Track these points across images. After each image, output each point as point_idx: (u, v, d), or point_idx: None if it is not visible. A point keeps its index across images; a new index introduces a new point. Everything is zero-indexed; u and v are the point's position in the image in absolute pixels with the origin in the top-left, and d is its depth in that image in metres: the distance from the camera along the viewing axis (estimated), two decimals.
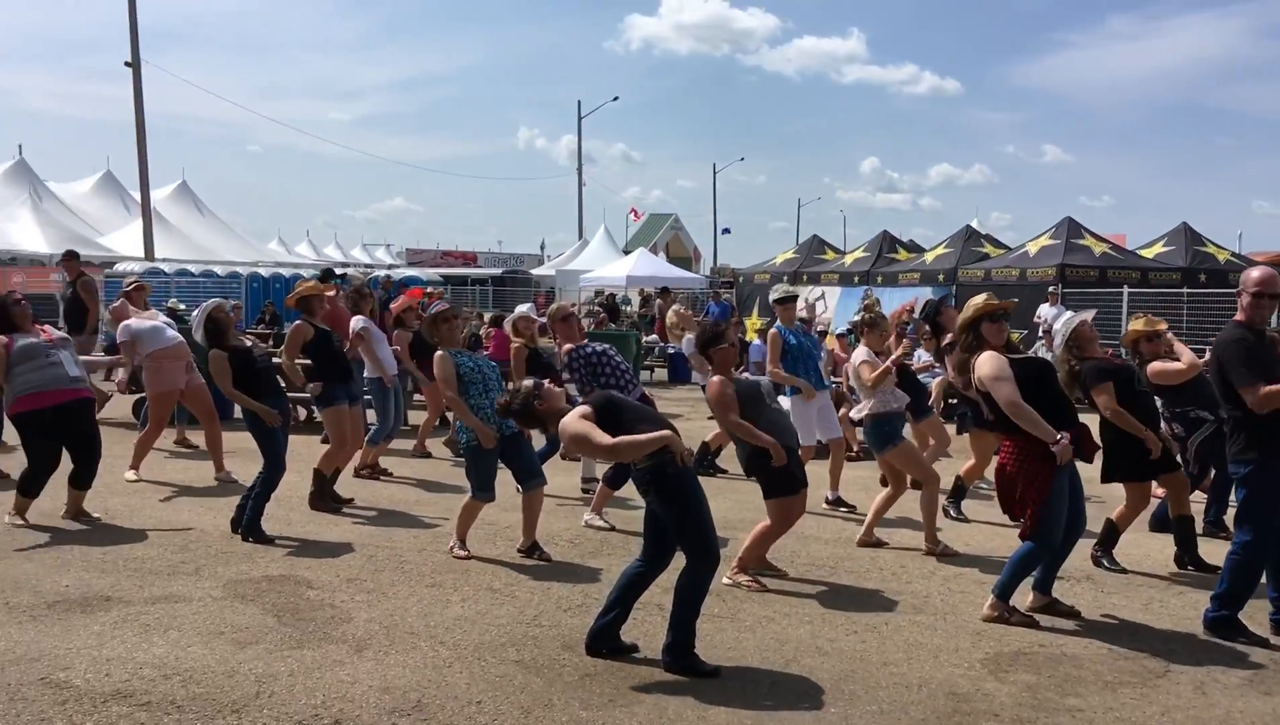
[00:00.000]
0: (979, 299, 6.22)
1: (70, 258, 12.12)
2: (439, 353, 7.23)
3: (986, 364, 5.95)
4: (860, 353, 7.78)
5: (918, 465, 7.56)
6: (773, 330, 8.99)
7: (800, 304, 14.65)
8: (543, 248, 68.78)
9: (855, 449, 11.36)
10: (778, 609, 6.16)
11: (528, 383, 5.66)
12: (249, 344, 8.17)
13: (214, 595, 6.19)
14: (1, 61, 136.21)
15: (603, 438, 5.09)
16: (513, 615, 5.94)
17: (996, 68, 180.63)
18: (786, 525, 6.63)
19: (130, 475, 9.55)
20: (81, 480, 7.89)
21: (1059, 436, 5.72)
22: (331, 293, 11.12)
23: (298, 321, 8.87)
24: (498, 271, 45.21)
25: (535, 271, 46.80)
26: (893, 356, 7.70)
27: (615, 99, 58.94)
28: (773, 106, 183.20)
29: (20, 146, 47.49)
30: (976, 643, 5.64)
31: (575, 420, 5.19)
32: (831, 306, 26.54)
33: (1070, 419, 5.89)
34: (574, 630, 5.68)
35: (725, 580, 6.54)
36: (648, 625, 5.79)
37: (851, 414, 7.67)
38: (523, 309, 10.18)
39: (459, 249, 66.77)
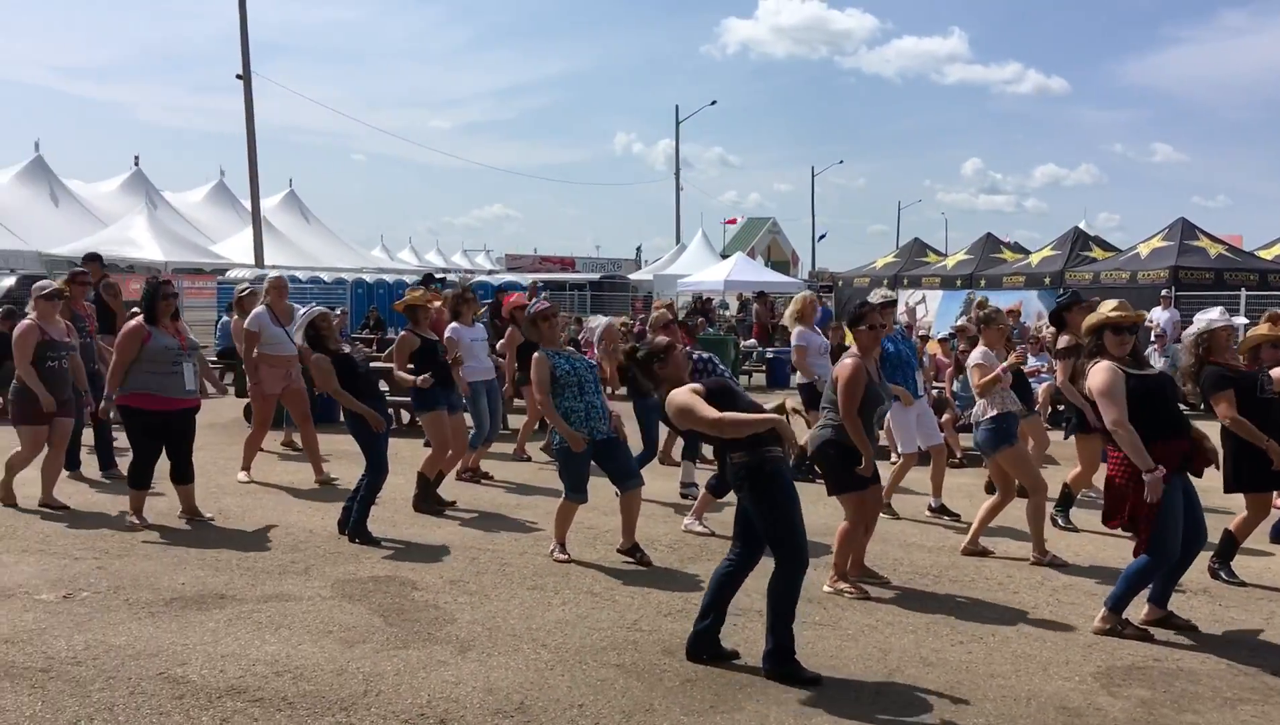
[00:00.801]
0: (1109, 305, 6.00)
1: (92, 260, 12.34)
2: (537, 354, 7.26)
3: (1098, 376, 5.78)
4: (977, 354, 7.63)
5: (1028, 470, 7.36)
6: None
7: (900, 308, 14.42)
8: (639, 253, 68.93)
9: (959, 456, 11.17)
10: (880, 618, 6.07)
11: (664, 340, 5.73)
12: (348, 350, 8.34)
13: (322, 595, 6.34)
14: (121, 77, 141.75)
15: (709, 410, 5.14)
16: (613, 619, 5.96)
17: (1104, 65, 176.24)
18: (863, 520, 6.54)
19: (242, 477, 9.82)
20: (180, 476, 8.17)
21: (1154, 468, 5.53)
22: (438, 302, 11.26)
23: (404, 331, 9.04)
24: (595, 276, 45.45)
25: (633, 276, 46.95)
26: (1004, 364, 7.50)
27: (713, 103, 59.11)
28: (872, 108, 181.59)
29: (137, 158, 49.17)
30: (1088, 656, 5.49)
31: (685, 392, 5.27)
32: (932, 311, 26.15)
33: (1181, 434, 5.71)
34: (674, 635, 5.68)
35: (825, 588, 6.49)
36: (748, 631, 5.76)
37: (973, 414, 7.51)
38: (599, 324, 10.13)
39: (557, 254, 67.31)
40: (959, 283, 26.47)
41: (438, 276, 17.60)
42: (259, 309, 10.34)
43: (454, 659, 5.28)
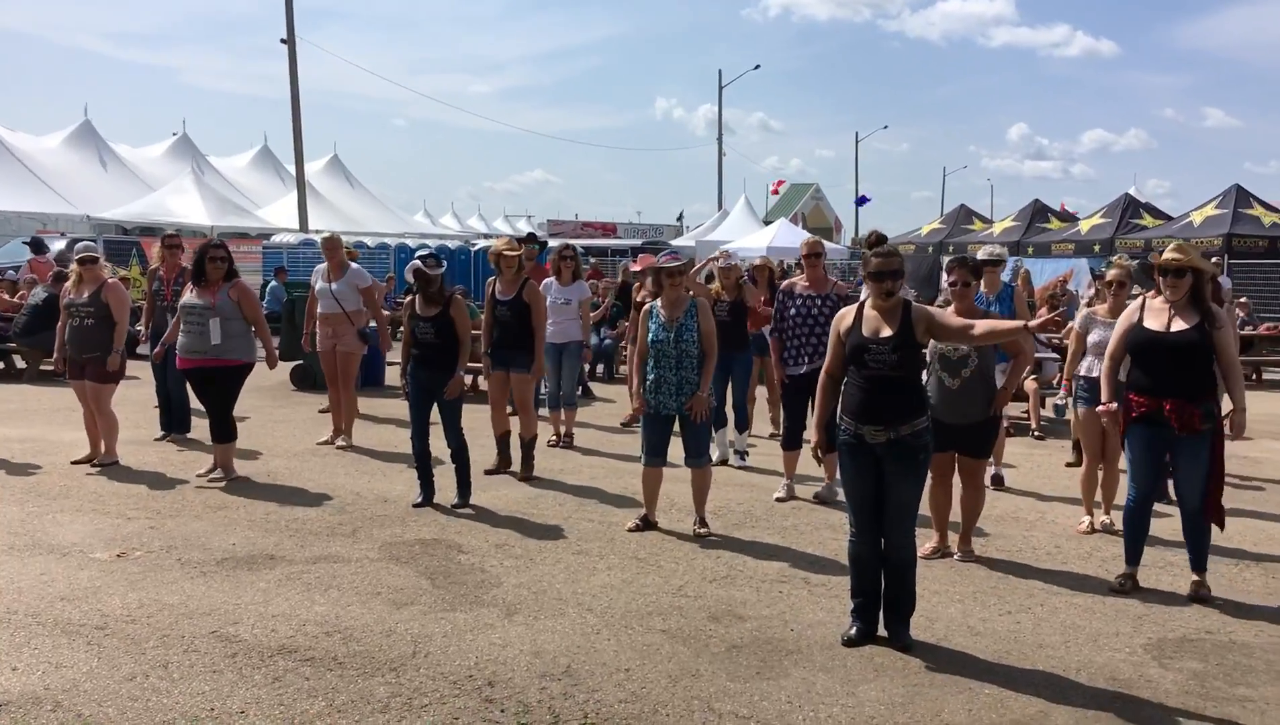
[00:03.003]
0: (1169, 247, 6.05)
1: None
2: (645, 309, 7.14)
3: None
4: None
5: (1099, 436, 7.29)
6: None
7: (943, 274, 14.23)
8: (680, 219, 68.64)
9: (1036, 428, 10.92)
10: (926, 586, 6.03)
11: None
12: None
13: (370, 557, 6.40)
14: (166, 42, 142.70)
15: (958, 319, 5.29)
16: (658, 584, 5.97)
17: (1155, 28, 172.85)
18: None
19: (340, 441, 9.90)
20: (212, 433, 8.35)
21: (1107, 402, 6.06)
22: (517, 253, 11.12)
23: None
24: (637, 242, 45.35)
25: (675, 242, 46.79)
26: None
27: (757, 67, 58.26)
28: (916, 72, 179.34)
29: (184, 122, 49.65)
30: (1138, 627, 5.43)
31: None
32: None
33: (1157, 393, 5.83)
34: (719, 601, 5.68)
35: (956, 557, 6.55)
36: (793, 599, 5.75)
37: (1080, 370, 7.44)
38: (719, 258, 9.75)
39: (598, 220, 67.27)
40: (1006, 250, 26.14)
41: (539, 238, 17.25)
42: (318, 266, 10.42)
43: (500, 622, 5.32)
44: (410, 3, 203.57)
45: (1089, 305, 9.44)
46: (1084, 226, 25.69)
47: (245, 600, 5.56)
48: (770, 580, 6.08)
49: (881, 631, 5.19)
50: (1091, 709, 4.46)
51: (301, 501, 7.72)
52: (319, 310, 10.05)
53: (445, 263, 7.72)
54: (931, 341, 5.69)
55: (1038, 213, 28.41)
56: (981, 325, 5.24)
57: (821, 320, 7.86)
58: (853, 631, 5.16)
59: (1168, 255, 5.88)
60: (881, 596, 5.23)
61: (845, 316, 5.29)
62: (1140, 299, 6.14)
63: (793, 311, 7.98)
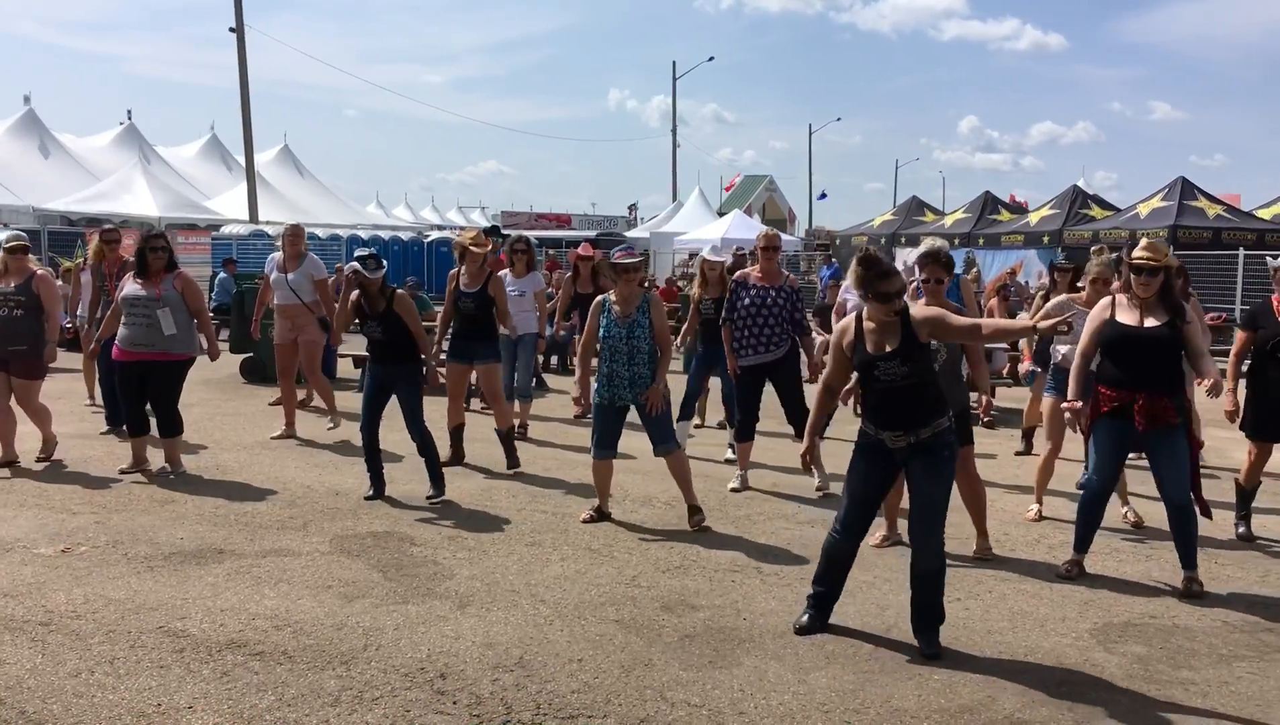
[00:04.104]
0: (1140, 245, 6.11)
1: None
2: (597, 302, 7.12)
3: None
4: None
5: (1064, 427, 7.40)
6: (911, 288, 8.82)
7: (899, 266, 14.36)
8: (631, 210, 68.49)
9: (985, 417, 11.04)
10: (878, 574, 6.10)
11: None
12: None
13: (321, 550, 6.34)
14: (111, 29, 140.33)
15: (963, 319, 5.17)
16: (612, 575, 5.98)
17: (1103, 22, 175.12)
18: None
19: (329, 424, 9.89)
20: (161, 430, 8.24)
21: (1073, 401, 6.06)
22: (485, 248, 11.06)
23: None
24: (592, 234, 45.27)
25: (629, 234, 46.75)
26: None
27: (711, 59, 58.75)
28: (867, 65, 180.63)
29: (130, 112, 48.77)
30: (1084, 613, 5.51)
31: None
32: None
33: (1128, 387, 5.87)
34: (672, 591, 5.70)
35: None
36: (746, 588, 5.78)
37: (1056, 358, 7.55)
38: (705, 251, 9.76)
39: (553, 211, 67.05)
40: (956, 241, 26.37)
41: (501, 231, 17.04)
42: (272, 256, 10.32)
43: (453, 614, 5.30)
44: None
45: (1045, 297, 9.55)
46: (1033, 218, 26.01)
47: (193, 595, 5.50)
48: (723, 570, 6.11)
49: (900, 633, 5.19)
50: (1038, 692, 4.52)
51: (251, 495, 7.64)
52: (275, 301, 9.93)
53: (385, 264, 7.63)
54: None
55: (988, 204, 28.72)
56: (989, 325, 5.24)
57: (775, 311, 7.91)
58: (804, 619, 5.19)
59: (1140, 254, 5.92)
60: (836, 596, 5.25)
61: (846, 330, 5.18)
62: (1109, 296, 6.21)
63: (746, 302, 8.00)
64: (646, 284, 9.23)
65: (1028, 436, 9.83)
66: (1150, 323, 5.89)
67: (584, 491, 7.79)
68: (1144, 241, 6.09)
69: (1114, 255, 7.69)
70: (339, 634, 5.00)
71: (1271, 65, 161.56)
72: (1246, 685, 4.66)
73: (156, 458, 8.37)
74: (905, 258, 24.96)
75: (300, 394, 11.27)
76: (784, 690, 4.50)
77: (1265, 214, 23.32)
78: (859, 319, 5.14)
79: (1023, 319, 6.18)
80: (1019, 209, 29.63)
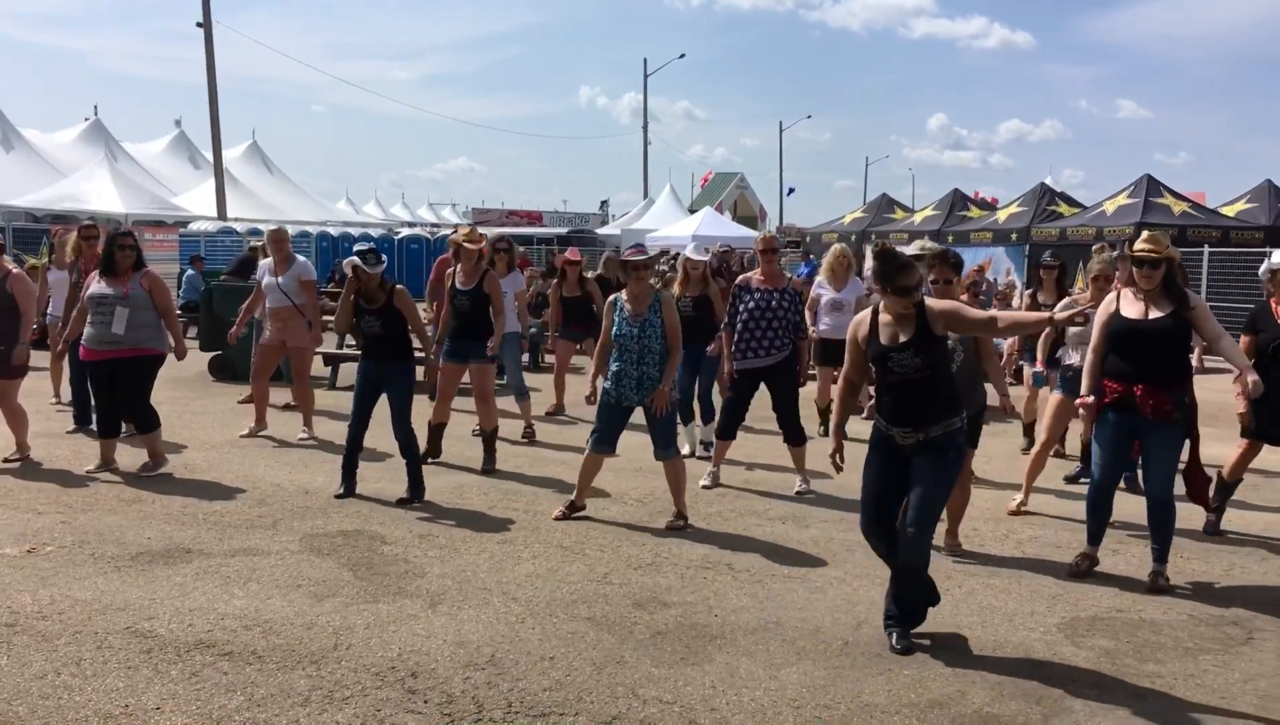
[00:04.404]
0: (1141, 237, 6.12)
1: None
2: (610, 301, 7.10)
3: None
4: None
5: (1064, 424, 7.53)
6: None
7: (868, 265, 14.46)
8: (602, 207, 68.43)
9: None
10: (849, 570, 6.12)
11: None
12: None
13: (291, 549, 6.31)
14: (77, 24, 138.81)
15: (980, 312, 5.18)
16: (583, 573, 5.98)
17: (1070, 20, 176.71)
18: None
19: (303, 433, 9.71)
20: (136, 427, 8.20)
21: (1086, 396, 6.06)
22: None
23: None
24: (563, 231, 45.24)
25: (600, 231, 46.75)
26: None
27: (682, 56, 58.94)
28: (837, 62, 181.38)
29: (96, 107, 48.25)
30: (1052, 607, 5.56)
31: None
32: None
33: (1130, 379, 5.91)
34: (644, 588, 5.70)
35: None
36: (718, 584, 5.80)
37: (1065, 359, 7.62)
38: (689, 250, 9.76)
39: (524, 208, 66.86)
40: (926, 239, 26.52)
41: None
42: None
43: (424, 612, 5.28)
44: None
45: (1033, 296, 9.61)
46: (1001, 216, 26.14)
47: (161, 595, 5.45)
48: (694, 567, 6.12)
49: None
50: (1007, 687, 4.56)
51: (220, 494, 7.59)
52: (267, 304, 9.79)
53: (385, 258, 7.56)
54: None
55: (957, 201, 28.87)
56: (1006, 317, 5.25)
57: (779, 314, 7.91)
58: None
59: (1142, 247, 5.94)
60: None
61: (861, 323, 5.18)
62: (1115, 290, 6.23)
63: (750, 305, 7.98)
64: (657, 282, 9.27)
65: (1030, 432, 9.80)
66: (1155, 314, 5.92)
67: (556, 488, 7.79)
68: (1145, 234, 6.10)
69: (1114, 252, 7.73)
70: (309, 633, 4.97)
71: (1236, 64, 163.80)
72: (1212, 678, 4.72)
73: (126, 458, 8.29)
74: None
75: (285, 398, 11.15)
76: (755, 686, 4.51)
77: (1229, 211, 23.54)
78: (874, 312, 5.13)
79: (1038, 313, 6.22)
80: (988, 206, 29.81)
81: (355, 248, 7.68)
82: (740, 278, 8.42)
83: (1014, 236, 24.00)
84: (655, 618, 5.29)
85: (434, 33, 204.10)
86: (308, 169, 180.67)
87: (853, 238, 28.16)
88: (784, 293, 8.01)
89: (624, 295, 7.02)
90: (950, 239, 25.73)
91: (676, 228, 34.51)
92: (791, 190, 62.47)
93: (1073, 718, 4.30)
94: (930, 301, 5.08)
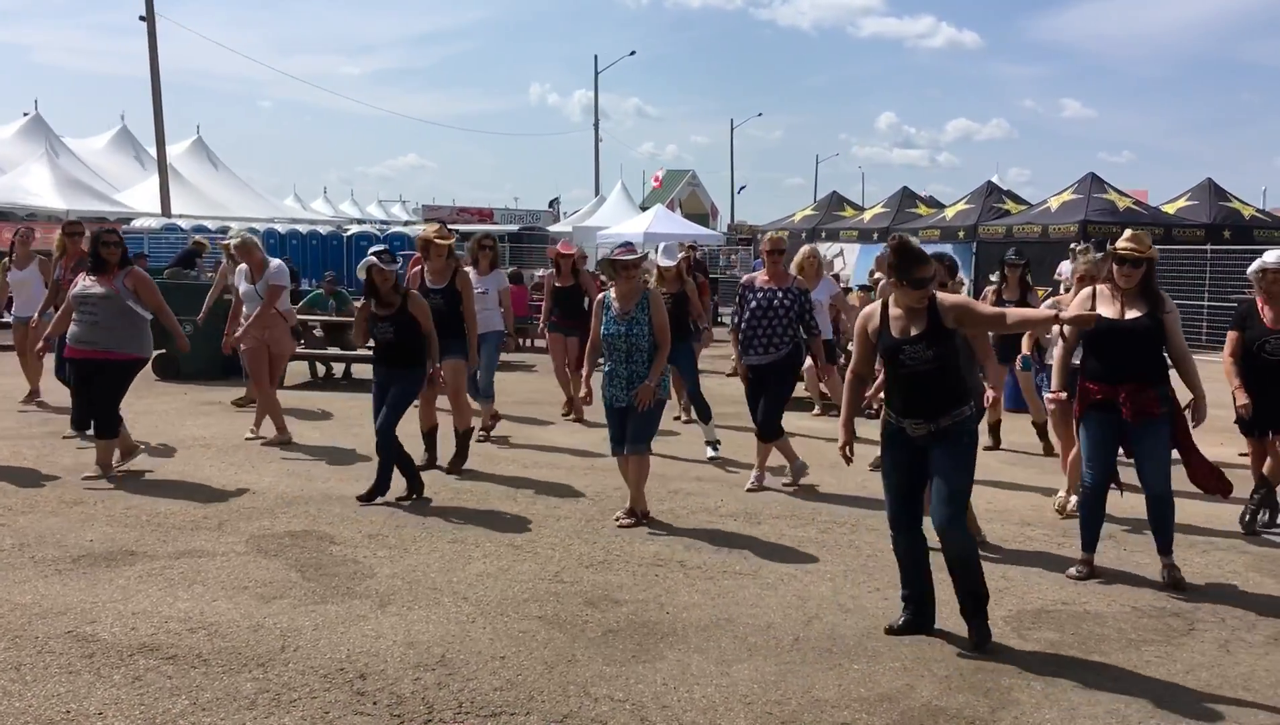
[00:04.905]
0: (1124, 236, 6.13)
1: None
2: (599, 299, 7.09)
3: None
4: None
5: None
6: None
7: (838, 265, 14.66)
8: (552, 205, 68.16)
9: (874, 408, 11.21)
10: (799, 566, 6.15)
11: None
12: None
13: (237, 550, 6.22)
14: (16, 17, 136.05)
15: (989, 308, 5.22)
16: (534, 572, 5.95)
17: (1016, 20, 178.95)
18: None
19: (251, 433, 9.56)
20: (97, 430, 8.03)
21: (1056, 392, 6.30)
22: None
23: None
24: (514, 228, 45.00)
25: (552, 228, 46.58)
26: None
27: (632, 53, 58.66)
28: (787, 61, 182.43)
29: (36, 102, 47.32)
30: (999, 600, 5.60)
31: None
32: (851, 263, 26.46)
33: (1111, 381, 5.92)
34: (595, 586, 5.69)
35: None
36: (669, 582, 5.80)
37: (1048, 359, 7.66)
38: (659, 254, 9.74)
39: (475, 205, 66.50)
40: (875, 236, 26.72)
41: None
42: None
43: (373, 613, 5.23)
44: None
45: (997, 293, 9.69)
46: (949, 213, 26.44)
47: (103, 598, 5.35)
48: (646, 564, 6.12)
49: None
50: (955, 680, 4.60)
51: (164, 495, 7.46)
52: (245, 310, 9.53)
53: (399, 260, 7.45)
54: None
55: (906, 199, 29.15)
56: (1014, 314, 5.26)
57: (781, 312, 7.93)
58: (899, 622, 5.13)
59: (1124, 245, 5.96)
60: (929, 592, 5.19)
61: (871, 316, 5.17)
62: (1089, 288, 6.23)
63: (753, 304, 8.02)
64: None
65: (995, 431, 9.88)
66: (1131, 314, 5.95)
67: (508, 486, 7.75)
68: (1128, 232, 6.12)
69: (1098, 254, 7.77)
70: (255, 635, 4.91)
71: (1177, 65, 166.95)
72: (1155, 669, 4.79)
73: (84, 458, 8.15)
74: (825, 252, 25.27)
75: (243, 392, 10.95)
76: (706, 683, 4.52)
77: (1171, 209, 23.95)
78: (884, 306, 5.13)
79: (1045, 310, 6.30)
80: (935, 204, 30.09)
81: (370, 251, 7.53)
82: (745, 277, 8.49)
83: (961, 234, 24.25)
84: (607, 616, 5.28)
85: (383, 28, 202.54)
86: (254, 165, 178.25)
87: (803, 236, 28.32)
88: (788, 292, 8.03)
89: (612, 294, 7.00)
90: None
91: (628, 225, 34.43)
92: (743, 188, 62.89)
93: (1019, 709, 4.35)
94: (941, 296, 5.09)
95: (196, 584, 5.60)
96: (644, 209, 42.26)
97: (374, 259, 7.36)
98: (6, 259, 10.86)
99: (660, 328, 6.93)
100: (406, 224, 50.56)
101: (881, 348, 5.10)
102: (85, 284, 8.01)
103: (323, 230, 36.26)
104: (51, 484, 7.68)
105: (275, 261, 9.81)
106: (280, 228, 33.92)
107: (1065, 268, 8.20)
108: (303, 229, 35.37)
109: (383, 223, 51.23)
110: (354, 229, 38.60)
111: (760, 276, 8.26)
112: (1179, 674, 4.74)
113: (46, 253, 10.75)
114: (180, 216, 33.40)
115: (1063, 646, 5.02)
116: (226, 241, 10.91)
